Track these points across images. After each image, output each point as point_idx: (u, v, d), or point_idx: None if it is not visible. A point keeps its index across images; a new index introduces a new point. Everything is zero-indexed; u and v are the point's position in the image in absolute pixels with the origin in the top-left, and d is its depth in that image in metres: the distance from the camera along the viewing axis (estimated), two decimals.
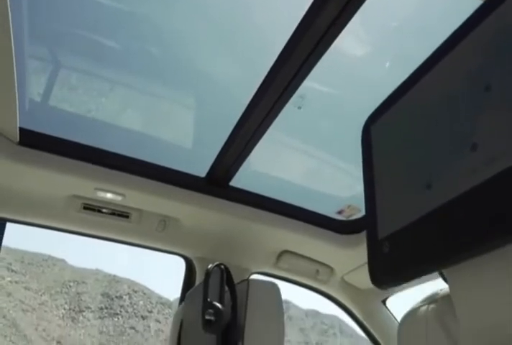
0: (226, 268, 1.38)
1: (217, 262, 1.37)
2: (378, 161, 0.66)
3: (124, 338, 26.13)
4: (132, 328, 26.84)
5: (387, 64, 1.51)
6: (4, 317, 23.28)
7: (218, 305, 1.28)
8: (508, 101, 0.44)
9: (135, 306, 28.11)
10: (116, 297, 27.90)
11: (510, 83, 0.44)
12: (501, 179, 0.42)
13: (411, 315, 0.63)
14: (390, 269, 0.58)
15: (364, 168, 0.69)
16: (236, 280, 1.39)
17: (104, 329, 25.81)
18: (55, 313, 25.11)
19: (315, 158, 1.89)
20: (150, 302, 28.87)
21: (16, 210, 1.64)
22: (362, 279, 1.94)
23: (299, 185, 1.95)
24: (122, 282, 29.05)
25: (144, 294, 29.40)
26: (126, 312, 27.44)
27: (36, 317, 24.09)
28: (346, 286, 2.02)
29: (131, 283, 29.33)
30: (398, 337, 0.64)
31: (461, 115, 0.50)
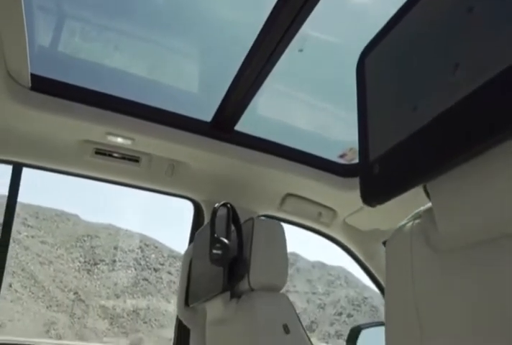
0: (232, 207, 1.45)
1: (224, 201, 1.44)
2: (371, 91, 0.70)
3: (137, 289, 27.08)
4: (145, 279, 27.74)
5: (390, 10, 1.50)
6: (23, 270, 24.21)
7: (225, 239, 1.36)
8: (488, 21, 0.47)
9: (147, 259, 28.93)
10: (129, 250, 28.69)
11: (492, 4, 0.47)
12: (479, 93, 0.47)
13: (398, 231, 0.68)
14: (380, 188, 0.63)
15: (358, 99, 0.73)
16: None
17: (118, 281, 26.72)
18: (70, 265, 25.95)
19: (318, 104, 1.92)
20: (162, 256, 29.67)
21: (31, 155, 1.71)
22: (364, 221, 2.01)
23: (303, 129, 1.99)
24: (134, 237, 29.77)
25: (156, 247, 30.18)
26: (139, 264, 28.26)
27: (53, 269, 24.95)
28: (348, 228, 2.10)
29: (143, 237, 30.05)
30: (385, 253, 0.70)
31: (445, 38, 0.54)
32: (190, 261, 1.77)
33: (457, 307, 0.54)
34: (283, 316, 1.29)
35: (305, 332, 1.31)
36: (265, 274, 1.36)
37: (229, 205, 1.44)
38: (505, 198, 0.48)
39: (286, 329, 1.26)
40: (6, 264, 1.85)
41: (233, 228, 1.45)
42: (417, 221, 0.65)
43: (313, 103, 1.90)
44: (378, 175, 0.64)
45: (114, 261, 28.15)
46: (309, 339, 1.31)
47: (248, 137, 1.75)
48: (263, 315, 1.28)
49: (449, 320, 0.54)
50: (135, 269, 28.31)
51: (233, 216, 1.46)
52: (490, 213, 0.50)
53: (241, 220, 1.48)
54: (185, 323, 1.79)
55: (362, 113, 0.72)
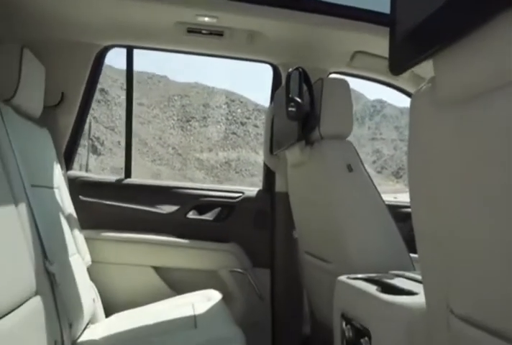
0: (304, 70, 1.67)
1: (296, 66, 1.66)
2: None
3: (227, 142, 28.93)
4: (234, 133, 29.36)
5: None
6: None
7: (298, 98, 1.62)
8: None
9: (234, 114, 30.18)
10: (216, 106, 29.94)
11: None
12: None
13: (414, 95, 0.88)
14: (402, 60, 0.85)
15: None
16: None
17: (209, 135, 28.58)
18: (166, 123, 27.94)
19: None
20: (247, 110, 30.70)
21: (138, 38, 2.06)
22: (431, 71, 2.13)
23: None
24: (220, 93, 30.72)
25: (241, 102, 31.11)
26: (227, 119, 29.67)
27: (151, 128, 27.12)
28: (417, 79, 2.22)
29: (228, 93, 30.92)
30: (409, 114, 0.92)
31: None
32: (272, 117, 2.08)
33: (458, 157, 0.72)
34: (347, 158, 1.57)
35: (367, 171, 1.60)
36: (333, 125, 1.60)
37: (300, 69, 1.66)
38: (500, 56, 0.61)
39: (349, 168, 1.56)
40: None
41: (305, 88, 1.69)
42: (428, 84, 0.86)
43: None
44: (401, 50, 0.85)
45: (204, 117, 29.73)
46: (369, 177, 1.60)
47: (316, 3, 1.87)
48: (331, 158, 1.57)
49: (454, 172, 0.73)
50: (224, 124, 29.87)
51: (304, 78, 1.68)
52: (481, 71, 0.68)
53: (315, 77, 1.70)
54: (270, 167, 2.19)
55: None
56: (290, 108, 1.62)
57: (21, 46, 1.49)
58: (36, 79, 1.62)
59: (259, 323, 2.04)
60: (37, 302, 1.16)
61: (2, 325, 0.94)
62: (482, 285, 0.70)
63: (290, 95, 1.63)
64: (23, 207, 1.23)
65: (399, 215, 1.71)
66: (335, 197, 1.56)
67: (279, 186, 2.19)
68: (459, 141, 0.73)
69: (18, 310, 1.04)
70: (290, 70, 1.66)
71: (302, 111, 1.62)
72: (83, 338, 1.52)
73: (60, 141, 1.97)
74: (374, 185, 1.59)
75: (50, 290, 1.27)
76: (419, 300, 0.96)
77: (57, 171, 1.78)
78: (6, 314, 0.98)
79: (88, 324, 1.64)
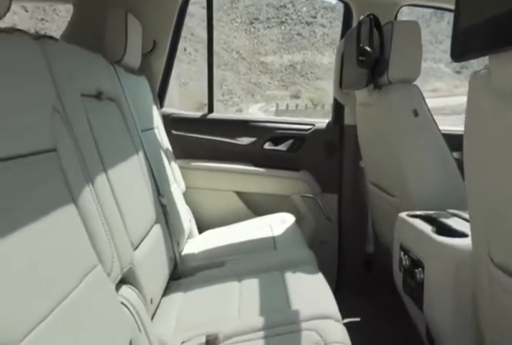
0: (375, 16, 1.73)
1: (367, 13, 1.73)
2: None
3: (292, 44, 27.95)
4: (299, 34, 28.19)
5: None
6: (192, 34, 26.31)
7: (368, 48, 1.70)
8: None
9: (299, 13, 28.71)
10: (280, 6, 28.50)
11: None
12: None
13: (472, 76, 1.01)
14: (462, 50, 0.97)
15: None
16: (385, 19, 1.73)
17: (274, 37, 27.66)
18: (229, 26, 27.22)
19: None
20: (313, 8, 29.01)
21: None
22: None
23: None
24: None
25: (306, 0, 29.37)
26: (292, 19, 28.34)
27: (215, 32, 26.55)
28: None
29: None
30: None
31: None
32: (343, 53, 2.16)
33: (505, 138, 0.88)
34: (414, 103, 1.66)
35: (432, 116, 1.68)
36: (401, 70, 1.66)
37: (371, 16, 1.72)
38: None
39: (415, 113, 1.67)
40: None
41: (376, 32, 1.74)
42: (484, 70, 0.98)
43: None
44: (463, 41, 0.97)
45: (268, 18, 28.58)
46: (434, 120, 1.70)
47: None
48: (397, 103, 1.67)
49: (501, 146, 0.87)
50: (288, 25, 28.64)
51: (375, 23, 1.74)
52: None
53: (387, 12, 1.67)
54: (340, 101, 2.33)
55: None
56: (360, 58, 1.71)
57: (125, 11, 1.67)
58: (137, 37, 1.82)
59: (327, 242, 2.35)
60: (157, 229, 1.49)
61: (140, 252, 1.26)
62: None
63: (361, 44, 1.72)
64: (139, 150, 1.52)
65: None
66: (400, 139, 1.68)
67: (348, 119, 2.33)
68: (507, 128, 0.88)
69: (146, 238, 1.36)
70: (362, 17, 1.73)
71: (371, 59, 1.71)
72: (185, 252, 1.89)
73: (154, 84, 2.23)
74: (438, 128, 1.69)
75: (164, 218, 1.60)
76: (469, 242, 1.09)
77: (155, 112, 2.06)
78: (141, 242, 1.30)
79: (186, 240, 2.01)
